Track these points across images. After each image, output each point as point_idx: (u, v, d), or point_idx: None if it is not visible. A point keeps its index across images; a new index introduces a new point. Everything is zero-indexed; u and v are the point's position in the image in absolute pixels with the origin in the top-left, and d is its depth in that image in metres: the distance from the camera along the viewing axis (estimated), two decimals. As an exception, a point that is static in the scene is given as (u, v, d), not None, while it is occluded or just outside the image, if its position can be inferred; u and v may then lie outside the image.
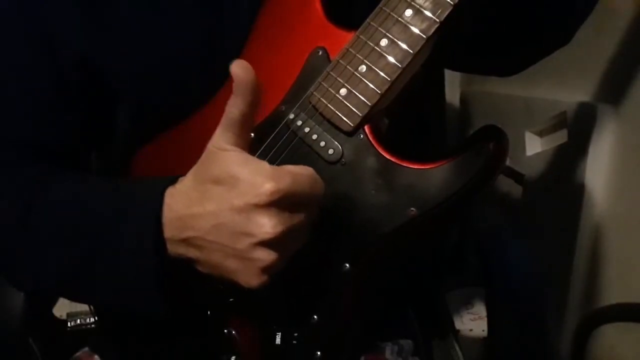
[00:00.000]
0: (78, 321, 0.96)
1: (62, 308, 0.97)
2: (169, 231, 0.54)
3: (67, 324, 0.96)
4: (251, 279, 0.52)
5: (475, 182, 0.54)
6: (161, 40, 0.63)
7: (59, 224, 0.60)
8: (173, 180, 0.55)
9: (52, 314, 0.97)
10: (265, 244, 0.50)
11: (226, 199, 0.51)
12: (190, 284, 0.59)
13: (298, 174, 0.51)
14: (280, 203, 0.50)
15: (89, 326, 0.96)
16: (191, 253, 0.54)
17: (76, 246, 0.58)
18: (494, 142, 0.54)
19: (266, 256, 0.51)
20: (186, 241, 0.54)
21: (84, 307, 0.96)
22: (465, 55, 0.72)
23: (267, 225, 0.50)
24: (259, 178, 0.50)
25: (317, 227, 0.55)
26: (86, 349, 0.84)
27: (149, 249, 0.55)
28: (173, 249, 0.55)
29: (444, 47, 0.56)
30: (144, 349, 0.70)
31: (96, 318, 0.78)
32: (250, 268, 0.52)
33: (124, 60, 0.63)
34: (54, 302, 0.97)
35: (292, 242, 0.53)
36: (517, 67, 0.74)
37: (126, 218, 0.57)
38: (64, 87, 0.65)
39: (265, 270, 0.52)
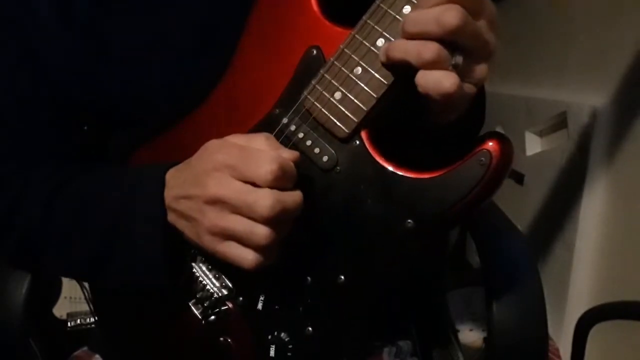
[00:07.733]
0: (78, 321, 0.97)
1: (62, 308, 0.98)
2: (168, 197, 0.57)
3: (67, 324, 0.96)
4: (249, 256, 0.52)
5: (476, 194, 0.50)
6: (155, 41, 0.63)
7: (79, 214, 0.62)
8: (176, 164, 0.58)
9: (52, 314, 0.97)
10: (265, 221, 0.51)
11: (224, 183, 0.52)
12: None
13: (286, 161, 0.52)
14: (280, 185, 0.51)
15: (89, 326, 0.96)
16: (181, 225, 0.56)
17: (95, 231, 0.61)
18: (498, 149, 0.49)
19: (264, 232, 0.51)
20: (178, 212, 0.56)
21: (84, 307, 0.96)
22: None
23: (266, 203, 0.50)
24: (261, 159, 0.51)
25: (312, 237, 0.54)
26: (85, 348, 0.84)
27: (155, 217, 0.57)
28: (171, 218, 0.57)
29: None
30: (143, 349, 0.70)
31: (96, 318, 0.78)
32: (250, 243, 0.52)
33: (118, 60, 0.63)
34: (54, 302, 0.98)
35: (285, 224, 0.53)
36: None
37: (134, 197, 0.59)
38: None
39: (264, 249, 0.52)
